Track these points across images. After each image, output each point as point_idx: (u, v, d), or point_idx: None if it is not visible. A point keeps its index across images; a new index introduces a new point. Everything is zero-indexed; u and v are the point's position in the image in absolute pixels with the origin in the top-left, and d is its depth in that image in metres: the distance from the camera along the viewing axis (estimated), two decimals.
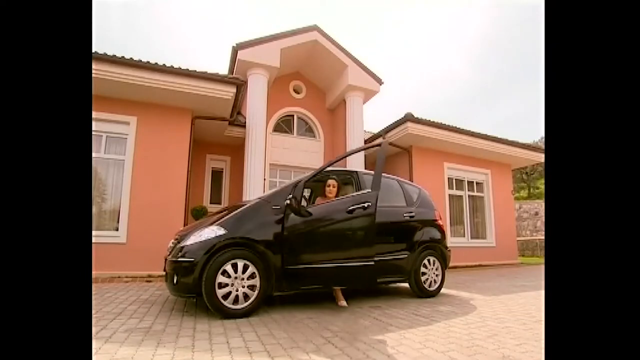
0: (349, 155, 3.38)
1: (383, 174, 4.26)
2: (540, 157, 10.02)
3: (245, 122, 8.03)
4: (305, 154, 9.46)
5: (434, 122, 8.27)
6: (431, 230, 4.06)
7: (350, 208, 3.14)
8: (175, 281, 2.76)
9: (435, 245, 4.03)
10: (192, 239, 2.83)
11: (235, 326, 2.51)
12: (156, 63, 5.85)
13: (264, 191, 7.96)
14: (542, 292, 4.25)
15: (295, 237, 3.07)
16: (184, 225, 6.35)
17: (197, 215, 6.61)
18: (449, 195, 9.14)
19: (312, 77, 9.81)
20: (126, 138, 6.18)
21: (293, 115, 9.65)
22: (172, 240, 3.24)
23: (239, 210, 3.04)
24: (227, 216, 2.98)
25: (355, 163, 8.64)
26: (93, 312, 2.84)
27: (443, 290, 4.12)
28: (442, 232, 4.20)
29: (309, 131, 9.83)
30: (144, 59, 6.57)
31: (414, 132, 8.06)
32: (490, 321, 2.74)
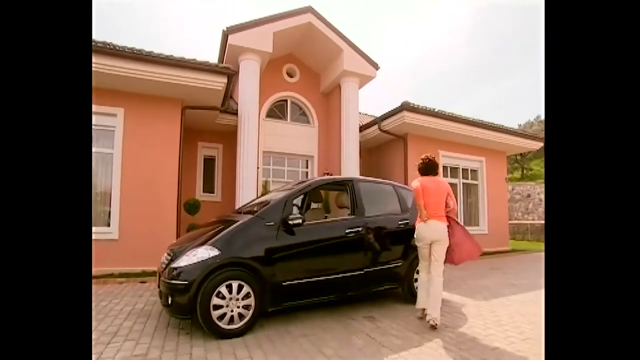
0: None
1: (379, 179, 4.26)
2: (535, 145, 10.02)
3: (237, 109, 7.81)
4: (299, 141, 9.31)
5: (430, 110, 8.14)
6: None
7: (346, 232, 3.42)
8: (169, 302, 2.76)
9: None
10: (186, 260, 2.79)
11: (231, 349, 2.54)
12: (141, 51, 5.55)
13: (257, 180, 7.87)
14: (531, 295, 4.38)
15: (289, 254, 3.07)
16: (177, 220, 6.31)
17: (190, 209, 6.56)
18: None
19: (306, 60, 9.46)
20: (114, 130, 5.99)
21: (287, 100, 9.39)
22: (165, 255, 3.21)
23: (232, 228, 2.99)
24: (220, 235, 2.93)
25: (350, 151, 8.56)
26: None
27: None
28: None
29: (302, 116, 9.61)
30: (130, 45, 6.27)
31: (410, 122, 7.94)
32: (480, 339, 2.81)
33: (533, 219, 18.50)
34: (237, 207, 7.23)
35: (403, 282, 3.81)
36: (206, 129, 8.45)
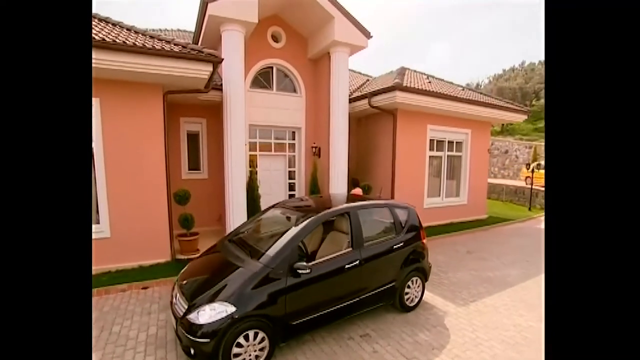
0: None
1: (376, 200, 4.40)
2: (520, 117, 10.18)
3: (221, 84, 7.31)
4: (286, 112, 9.00)
5: (422, 89, 7.99)
6: (416, 253, 4.39)
7: (347, 266, 3.65)
8: (192, 354, 2.98)
9: (419, 266, 4.42)
10: (205, 317, 2.93)
11: None
12: (114, 41, 4.91)
13: (246, 159, 7.72)
14: (504, 296, 4.96)
15: (297, 294, 3.29)
16: (169, 212, 6.28)
17: (180, 200, 6.50)
18: (429, 156, 9.37)
19: (292, 22, 8.65)
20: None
21: (272, 68, 8.80)
22: (178, 297, 3.34)
23: (243, 281, 3.11)
24: (233, 289, 3.06)
25: (340, 126, 8.40)
26: None
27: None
28: (425, 251, 4.56)
29: (289, 84, 9.13)
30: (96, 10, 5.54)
31: (401, 100, 7.80)
32: None
33: (508, 174, 19.64)
34: (227, 185, 7.19)
35: (395, 297, 4.20)
36: (188, 103, 7.95)
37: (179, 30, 13.48)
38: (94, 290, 4.70)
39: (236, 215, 7.23)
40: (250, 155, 8.54)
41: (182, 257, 6.40)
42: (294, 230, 3.52)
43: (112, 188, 5.74)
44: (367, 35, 8.21)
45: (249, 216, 7.57)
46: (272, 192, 9.09)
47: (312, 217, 3.61)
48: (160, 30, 12.81)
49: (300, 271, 3.23)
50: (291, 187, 9.52)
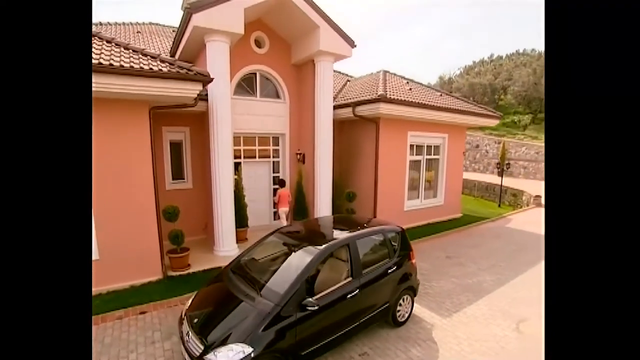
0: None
1: (372, 228, 4.65)
2: (493, 122, 10.76)
3: (205, 94, 7.17)
4: (270, 118, 8.99)
5: (405, 101, 8.25)
6: (407, 273, 4.73)
7: (348, 296, 3.89)
8: None
9: (409, 285, 4.77)
10: (223, 358, 3.05)
11: None
12: (100, 63, 4.71)
13: (234, 171, 7.71)
14: (481, 305, 5.46)
15: (305, 326, 3.50)
16: (158, 226, 6.22)
17: (170, 217, 6.45)
18: (409, 161, 9.76)
19: (276, 27, 8.54)
20: None
21: (255, 74, 8.70)
22: (189, 330, 3.46)
23: (257, 320, 3.26)
24: (246, 328, 3.21)
25: (324, 135, 8.54)
26: None
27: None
28: (414, 270, 4.91)
29: (273, 91, 9.08)
30: None
31: (385, 111, 8.04)
32: None
33: (479, 168, 20.73)
34: (214, 197, 7.19)
35: (389, 314, 4.54)
36: (171, 112, 7.69)
37: (150, 23, 12.87)
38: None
39: (224, 225, 7.29)
40: (234, 162, 8.50)
41: (174, 273, 6.42)
42: (300, 266, 3.69)
43: (99, 208, 5.60)
44: (352, 44, 8.30)
45: (236, 225, 7.66)
46: (256, 198, 9.15)
47: (317, 252, 3.80)
48: (131, 24, 12.17)
49: (308, 307, 3.44)
50: (276, 193, 9.60)
